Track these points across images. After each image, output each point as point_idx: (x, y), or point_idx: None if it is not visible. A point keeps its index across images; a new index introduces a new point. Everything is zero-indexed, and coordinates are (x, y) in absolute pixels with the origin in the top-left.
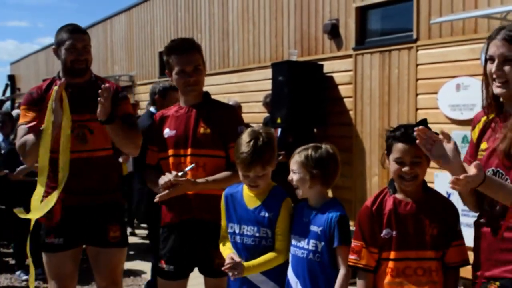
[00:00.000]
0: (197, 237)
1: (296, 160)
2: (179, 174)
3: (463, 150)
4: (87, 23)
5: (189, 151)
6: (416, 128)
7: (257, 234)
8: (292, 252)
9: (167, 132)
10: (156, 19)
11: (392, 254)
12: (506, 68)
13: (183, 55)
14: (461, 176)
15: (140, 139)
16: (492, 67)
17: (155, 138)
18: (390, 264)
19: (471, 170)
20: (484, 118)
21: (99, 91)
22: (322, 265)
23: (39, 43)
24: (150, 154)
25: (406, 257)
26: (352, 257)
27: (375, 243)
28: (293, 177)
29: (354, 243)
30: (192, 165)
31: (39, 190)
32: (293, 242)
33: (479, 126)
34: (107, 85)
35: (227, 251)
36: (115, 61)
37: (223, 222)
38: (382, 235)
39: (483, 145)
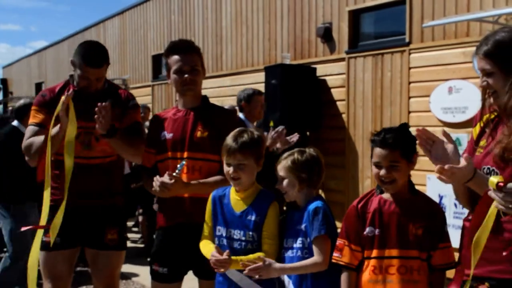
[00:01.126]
0: (191, 239)
1: (283, 166)
2: (174, 174)
3: None
4: (81, 27)
5: (185, 154)
6: (416, 129)
7: (244, 238)
8: (284, 255)
9: (164, 134)
10: (149, 22)
11: (375, 252)
12: (489, 80)
13: (181, 55)
14: (446, 166)
15: (143, 147)
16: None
17: (153, 140)
18: (373, 262)
19: (461, 162)
20: (486, 116)
21: (96, 108)
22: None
23: (31, 47)
24: (146, 156)
25: (389, 255)
26: (335, 254)
27: (358, 241)
28: (282, 182)
29: (339, 241)
30: (183, 162)
31: (46, 202)
32: (286, 245)
33: (480, 124)
34: (106, 103)
35: (208, 249)
36: None
37: (207, 224)
38: (365, 233)
39: (482, 143)
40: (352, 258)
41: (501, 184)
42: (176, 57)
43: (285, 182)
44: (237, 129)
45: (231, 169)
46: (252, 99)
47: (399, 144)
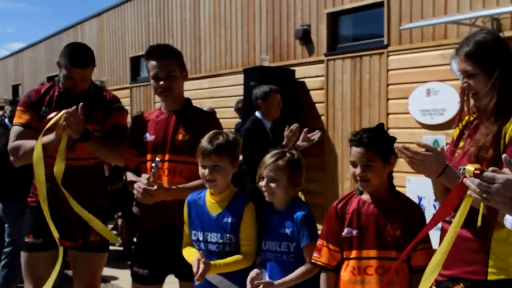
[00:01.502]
0: (172, 241)
1: (276, 166)
2: (150, 175)
3: None
4: (58, 29)
5: (166, 157)
6: (395, 146)
7: (221, 241)
8: (265, 257)
9: (146, 136)
10: (127, 24)
11: (353, 253)
12: (470, 81)
13: (157, 61)
14: (406, 146)
15: (125, 150)
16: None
17: (135, 141)
18: (352, 262)
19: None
20: (466, 118)
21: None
22: (295, 265)
23: (8, 49)
24: (129, 158)
25: (367, 256)
26: (315, 254)
27: (336, 241)
28: (271, 183)
29: (318, 242)
30: (157, 159)
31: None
32: (265, 247)
33: (460, 125)
34: (73, 107)
35: (191, 255)
36: None
37: (186, 228)
38: (343, 234)
39: (461, 144)
40: (330, 259)
41: (477, 171)
42: (153, 62)
43: (274, 182)
44: (212, 131)
45: (206, 171)
46: (269, 96)
47: (374, 143)
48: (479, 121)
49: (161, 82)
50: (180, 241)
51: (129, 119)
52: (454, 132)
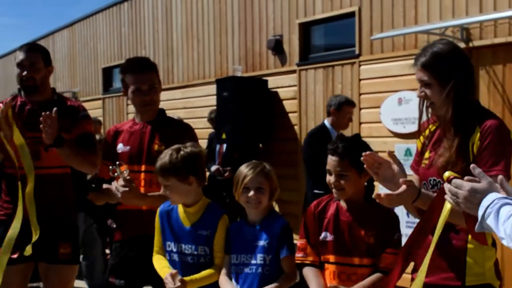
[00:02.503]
0: (148, 251)
1: (259, 175)
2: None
3: (407, 163)
4: (29, 39)
5: (143, 167)
6: (363, 154)
7: (195, 252)
8: (237, 271)
9: (120, 147)
10: (99, 35)
11: (330, 258)
12: (427, 91)
13: (139, 74)
14: (382, 194)
15: (98, 158)
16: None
17: (109, 152)
18: (329, 267)
19: (401, 187)
20: (430, 127)
21: (41, 118)
22: (271, 277)
23: None
24: (103, 169)
25: (342, 262)
26: (299, 255)
27: (315, 243)
28: (259, 194)
29: (300, 242)
30: (117, 162)
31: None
32: (237, 260)
33: (424, 135)
34: (48, 112)
35: (163, 268)
36: (57, 78)
37: (157, 238)
38: (320, 237)
39: (427, 154)
40: (315, 256)
41: (450, 178)
42: (134, 76)
43: (262, 192)
44: (170, 147)
45: (162, 188)
46: (342, 107)
47: (348, 154)
48: (441, 132)
49: (145, 95)
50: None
51: (103, 130)
52: (418, 142)
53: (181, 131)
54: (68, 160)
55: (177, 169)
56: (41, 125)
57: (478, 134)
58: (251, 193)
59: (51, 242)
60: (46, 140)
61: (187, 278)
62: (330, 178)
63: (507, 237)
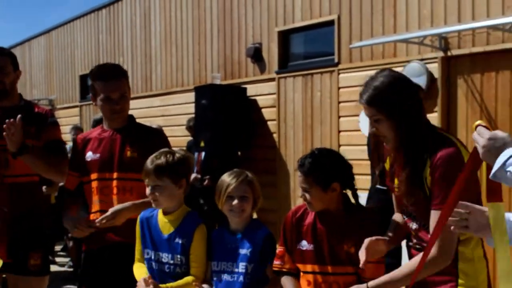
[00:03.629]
0: (120, 261)
1: (245, 186)
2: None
3: None
4: (5, 45)
5: (115, 175)
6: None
7: (172, 261)
8: (218, 279)
9: (90, 155)
10: (76, 41)
11: (309, 267)
12: (378, 126)
13: (110, 82)
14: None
15: (66, 166)
16: None
17: (76, 162)
18: (308, 276)
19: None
20: (389, 157)
21: (4, 125)
22: (252, 286)
23: None
24: (69, 179)
25: (323, 271)
26: (277, 262)
27: (294, 251)
28: (242, 202)
29: (279, 249)
30: (86, 214)
31: None
32: (218, 268)
33: (389, 158)
34: (12, 119)
35: (140, 272)
36: (34, 85)
37: (138, 245)
38: (299, 246)
39: (396, 182)
40: (292, 264)
41: (478, 125)
42: (104, 83)
43: (246, 201)
44: (160, 150)
45: (148, 190)
46: None
47: (312, 171)
48: (396, 164)
49: (116, 104)
50: (128, 260)
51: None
52: (386, 165)
53: (152, 137)
54: (34, 168)
55: (174, 169)
56: (4, 133)
57: (429, 169)
58: (235, 201)
59: (21, 253)
60: (10, 147)
61: (162, 286)
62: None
63: None
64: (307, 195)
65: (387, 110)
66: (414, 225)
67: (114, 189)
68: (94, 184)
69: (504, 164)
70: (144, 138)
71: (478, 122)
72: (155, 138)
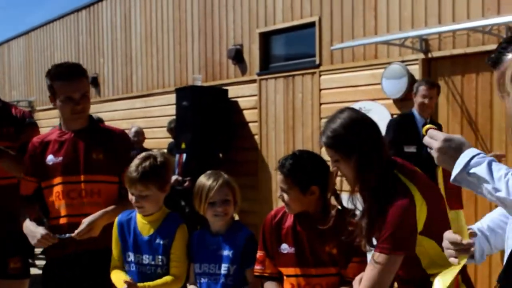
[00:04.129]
0: (89, 267)
1: (226, 189)
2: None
3: None
4: None
5: (82, 177)
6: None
7: (153, 262)
8: (201, 281)
9: (51, 158)
10: (56, 43)
11: (291, 270)
12: (338, 166)
13: (71, 82)
14: None
15: None
16: None
17: (33, 166)
18: (291, 279)
19: None
20: None
21: None
22: (235, 287)
23: None
24: (25, 184)
25: (305, 274)
26: (257, 267)
27: (274, 255)
28: (225, 206)
29: (259, 254)
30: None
31: None
32: (200, 270)
33: None
34: None
35: (118, 277)
36: (13, 86)
37: (115, 251)
38: (280, 249)
39: None
40: (273, 268)
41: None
42: (64, 83)
43: (227, 203)
44: (140, 156)
45: (133, 199)
46: (417, 89)
47: (292, 172)
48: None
49: (77, 104)
50: (97, 267)
51: None
52: None
53: (117, 137)
54: (10, 170)
55: (159, 176)
56: None
57: (381, 218)
58: (219, 208)
59: (1, 257)
60: None
61: (140, 285)
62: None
63: (506, 191)
64: (285, 196)
65: (345, 152)
66: None
67: (82, 192)
68: (59, 188)
69: (466, 166)
70: (108, 140)
71: (428, 126)
72: (120, 138)
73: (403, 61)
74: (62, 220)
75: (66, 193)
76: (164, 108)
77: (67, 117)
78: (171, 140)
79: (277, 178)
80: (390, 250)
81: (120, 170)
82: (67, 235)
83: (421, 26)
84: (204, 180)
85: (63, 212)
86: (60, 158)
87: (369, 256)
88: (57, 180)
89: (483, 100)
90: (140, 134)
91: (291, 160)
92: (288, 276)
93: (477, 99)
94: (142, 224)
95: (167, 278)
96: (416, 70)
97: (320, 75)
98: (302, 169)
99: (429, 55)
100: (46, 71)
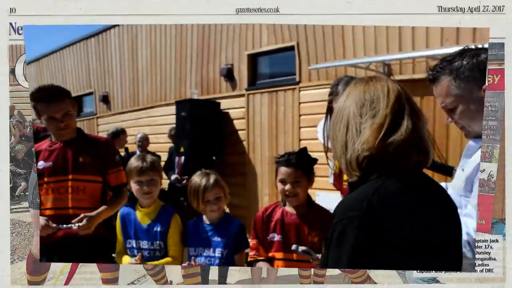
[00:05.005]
0: (79, 252)
1: (218, 188)
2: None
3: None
4: None
5: (70, 176)
6: None
7: (152, 247)
8: (196, 260)
9: (41, 164)
10: (67, 68)
11: (276, 255)
12: (295, 187)
13: (51, 104)
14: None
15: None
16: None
17: None
18: (278, 263)
19: None
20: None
21: None
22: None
23: None
24: None
25: (289, 258)
26: (252, 253)
27: (265, 243)
28: (219, 202)
29: (252, 242)
30: (65, 226)
31: None
32: (196, 253)
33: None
34: None
35: (127, 259)
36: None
37: (120, 238)
38: (268, 237)
39: (345, 176)
40: (265, 254)
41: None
42: (46, 105)
43: (220, 199)
44: (137, 155)
45: (144, 186)
46: None
47: (301, 164)
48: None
49: (61, 122)
50: (87, 252)
51: None
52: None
53: (103, 145)
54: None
55: (156, 174)
56: None
57: None
58: (213, 204)
59: None
60: None
61: (148, 263)
62: (285, 187)
63: None
64: (297, 188)
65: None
66: None
67: (69, 188)
68: (48, 186)
69: None
70: (94, 147)
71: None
72: (105, 145)
73: None
74: (51, 212)
75: (56, 189)
76: (166, 118)
77: (53, 133)
78: (171, 144)
79: (264, 179)
80: None
81: (104, 172)
82: (65, 225)
83: (383, 52)
84: (198, 179)
85: (50, 205)
86: (50, 163)
87: None
88: (47, 179)
89: (440, 120)
90: (144, 139)
91: (294, 155)
92: (274, 259)
93: (434, 119)
94: (141, 215)
95: (167, 259)
96: None
97: (299, 91)
98: (307, 161)
99: (392, 78)
100: (30, 93)
